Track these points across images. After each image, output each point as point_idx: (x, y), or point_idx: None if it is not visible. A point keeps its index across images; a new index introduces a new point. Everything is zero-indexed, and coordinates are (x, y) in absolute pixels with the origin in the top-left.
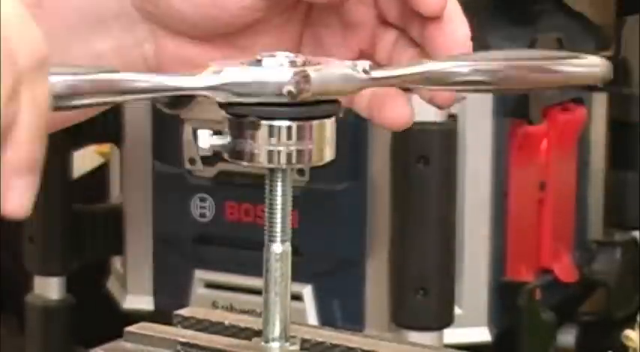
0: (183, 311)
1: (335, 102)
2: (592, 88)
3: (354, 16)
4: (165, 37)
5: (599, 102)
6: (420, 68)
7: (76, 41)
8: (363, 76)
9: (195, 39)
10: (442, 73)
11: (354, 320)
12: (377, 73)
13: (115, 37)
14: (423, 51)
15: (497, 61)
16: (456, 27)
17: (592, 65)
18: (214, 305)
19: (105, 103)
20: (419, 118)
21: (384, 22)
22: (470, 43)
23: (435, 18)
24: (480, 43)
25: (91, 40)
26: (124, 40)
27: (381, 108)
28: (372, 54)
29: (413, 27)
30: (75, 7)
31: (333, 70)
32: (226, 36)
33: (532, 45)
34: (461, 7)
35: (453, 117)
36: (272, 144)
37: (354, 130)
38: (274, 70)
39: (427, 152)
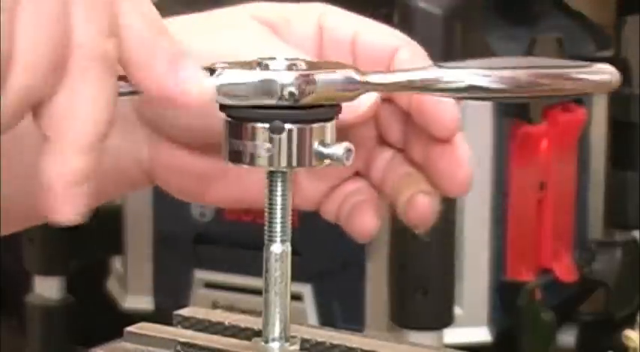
0: (183, 311)
1: (335, 105)
2: None
3: (354, 138)
4: (160, 143)
5: (599, 102)
6: (431, 74)
7: None
8: (366, 80)
9: (191, 147)
10: (447, 81)
11: (354, 320)
12: (379, 79)
13: (113, 138)
14: (420, 169)
15: (510, 68)
16: (461, 151)
17: (605, 73)
18: (214, 305)
19: None
20: None
21: (382, 142)
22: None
23: (443, 140)
24: (480, 43)
25: None
26: (121, 142)
27: (348, 218)
28: (368, 173)
29: (413, 147)
30: None
31: (335, 74)
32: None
33: (532, 45)
34: (461, 6)
35: None
36: (272, 147)
37: None
38: (276, 72)
39: None
